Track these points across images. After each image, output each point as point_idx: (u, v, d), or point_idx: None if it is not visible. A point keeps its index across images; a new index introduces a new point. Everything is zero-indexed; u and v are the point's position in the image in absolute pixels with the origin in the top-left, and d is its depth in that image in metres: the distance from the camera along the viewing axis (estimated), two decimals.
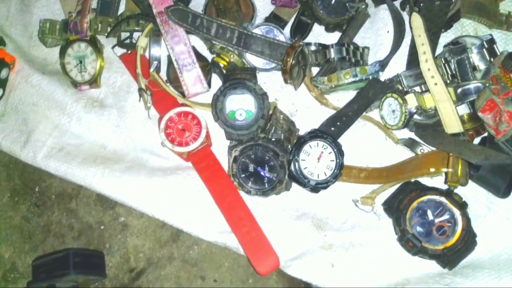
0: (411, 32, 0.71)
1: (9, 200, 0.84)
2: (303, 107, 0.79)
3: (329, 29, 0.80)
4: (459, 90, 0.70)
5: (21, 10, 0.90)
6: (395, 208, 0.70)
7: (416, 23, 0.69)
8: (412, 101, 0.70)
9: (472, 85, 0.70)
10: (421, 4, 0.70)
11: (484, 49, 0.72)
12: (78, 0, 0.82)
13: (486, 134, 0.72)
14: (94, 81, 0.81)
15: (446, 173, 0.65)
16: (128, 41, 0.83)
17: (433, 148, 0.70)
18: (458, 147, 0.65)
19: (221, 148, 0.79)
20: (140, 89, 0.78)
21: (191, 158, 0.78)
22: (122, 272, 0.78)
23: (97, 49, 0.81)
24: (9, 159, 0.84)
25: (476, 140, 0.73)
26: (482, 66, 0.72)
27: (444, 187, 0.70)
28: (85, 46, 0.81)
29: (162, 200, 0.77)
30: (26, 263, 0.81)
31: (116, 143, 0.81)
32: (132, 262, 0.78)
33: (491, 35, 0.74)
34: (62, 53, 0.81)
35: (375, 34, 0.79)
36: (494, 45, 0.73)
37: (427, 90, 0.70)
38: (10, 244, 0.82)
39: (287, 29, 0.82)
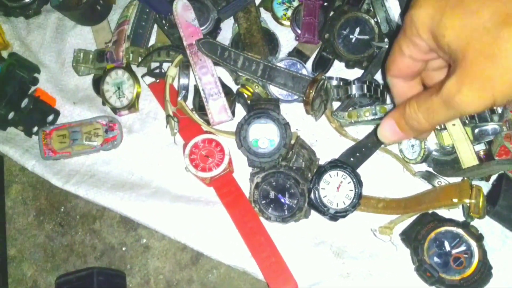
0: None
1: (34, 219, 0.86)
2: (323, 138, 0.83)
3: (349, 65, 0.84)
4: (476, 130, 0.73)
5: (56, 38, 0.95)
6: (412, 238, 0.72)
7: None
8: (432, 138, 0.73)
9: (489, 127, 0.73)
10: None
11: None
12: (114, 30, 0.87)
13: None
14: (132, 106, 0.85)
15: (468, 204, 0.68)
16: (157, 70, 0.87)
17: (451, 181, 0.73)
18: (475, 171, 0.69)
19: (242, 174, 0.81)
20: (168, 116, 0.82)
21: (213, 184, 0.80)
22: None
23: (134, 74, 0.85)
24: (37, 180, 0.87)
25: (493, 177, 0.76)
26: (500, 109, 0.75)
27: (460, 219, 0.73)
28: (122, 72, 0.85)
29: (184, 224, 0.79)
30: (47, 282, 0.83)
31: (142, 168, 0.84)
32: (152, 284, 0.80)
33: None
34: (101, 81, 0.85)
35: None
36: None
37: (445, 128, 0.73)
38: (33, 262, 0.84)
39: (309, 64, 0.86)
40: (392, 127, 0.56)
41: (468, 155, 0.70)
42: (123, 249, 0.82)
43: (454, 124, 0.71)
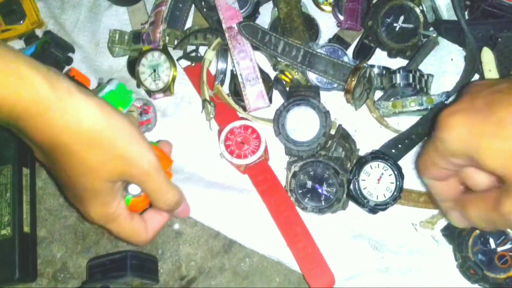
0: (481, 66, 0.72)
1: (64, 201, 0.85)
2: (362, 128, 0.80)
3: (391, 54, 0.82)
4: None
5: (90, 18, 0.93)
6: (456, 234, 0.69)
7: (487, 58, 0.70)
8: None
9: None
10: (499, 39, 0.71)
11: None
12: (152, 11, 0.85)
13: None
14: (167, 89, 0.83)
15: None
16: (193, 54, 0.85)
17: None
18: None
19: (278, 163, 0.79)
20: (204, 100, 0.80)
21: (248, 171, 0.79)
22: (172, 279, 0.78)
23: (170, 57, 0.83)
24: None
25: None
26: None
27: None
28: (159, 54, 0.83)
29: (218, 210, 0.78)
30: (77, 264, 0.82)
31: (176, 153, 0.82)
32: (184, 270, 0.79)
33: None
34: (137, 63, 0.84)
35: (439, 62, 0.80)
36: None
37: None
38: (62, 244, 0.83)
39: (349, 51, 0.84)
40: (460, 218, 0.60)
41: None
42: None
43: None
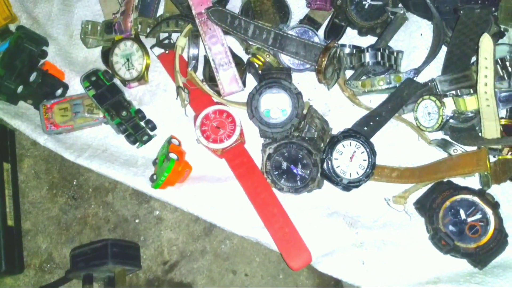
0: (477, 53, 0.68)
1: (47, 192, 0.86)
2: (335, 107, 0.81)
3: (362, 32, 0.82)
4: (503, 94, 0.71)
5: (63, 10, 0.93)
6: (427, 207, 0.71)
7: (485, 45, 0.68)
8: (450, 105, 0.71)
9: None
10: (461, 12, 0.71)
11: None
12: (122, 1, 0.86)
13: None
14: (142, 77, 0.84)
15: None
16: (166, 41, 0.85)
17: (468, 149, 0.71)
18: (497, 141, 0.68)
19: (254, 146, 0.80)
20: (178, 87, 0.80)
21: (225, 155, 0.80)
22: (155, 264, 0.80)
23: (143, 45, 0.84)
24: (49, 153, 0.87)
25: None
26: None
27: (476, 186, 0.71)
28: (131, 44, 0.83)
29: (196, 196, 0.79)
30: (62, 254, 0.83)
31: (154, 141, 0.83)
32: (166, 255, 0.80)
33: None
34: (110, 53, 0.84)
35: (409, 37, 0.81)
36: None
37: (463, 94, 0.72)
38: (47, 235, 0.85)
39: (321, 31, 0.84)
40: None
41: (493, 134, 0.68)
42: (136, 221, 0.82)
43: (488, 106, 0.68)
